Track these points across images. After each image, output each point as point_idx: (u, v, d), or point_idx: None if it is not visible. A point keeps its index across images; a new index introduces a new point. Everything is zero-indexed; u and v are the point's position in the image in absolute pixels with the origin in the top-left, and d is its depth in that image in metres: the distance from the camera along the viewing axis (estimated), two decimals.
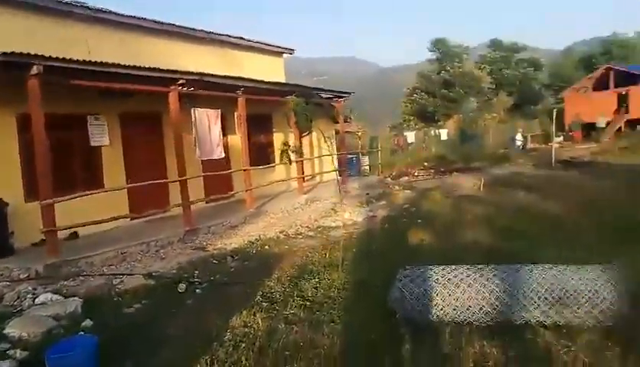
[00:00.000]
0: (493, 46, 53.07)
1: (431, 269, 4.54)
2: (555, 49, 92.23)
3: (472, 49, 54.01)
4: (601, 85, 34.89)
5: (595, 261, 5.62)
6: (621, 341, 3.75)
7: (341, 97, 17.55)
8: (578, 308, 3.99)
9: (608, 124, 32.05)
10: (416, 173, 22.00)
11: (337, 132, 19.03)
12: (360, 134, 28.29)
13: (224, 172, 12.94)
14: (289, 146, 15.45)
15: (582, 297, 3.98)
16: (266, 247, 8.98)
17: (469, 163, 24.04)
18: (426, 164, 25.19)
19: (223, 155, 12.20)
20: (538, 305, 4.04)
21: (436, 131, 38.52)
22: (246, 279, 6.76)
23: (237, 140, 13.49)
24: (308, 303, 5.47)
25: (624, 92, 32.51)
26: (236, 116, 13.02)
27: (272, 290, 6.05)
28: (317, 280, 6.27)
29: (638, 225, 7.76)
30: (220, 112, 12.05)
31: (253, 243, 9.32)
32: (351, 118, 26.96)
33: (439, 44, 49.94)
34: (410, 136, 37.18)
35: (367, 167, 24.36)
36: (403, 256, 6.86)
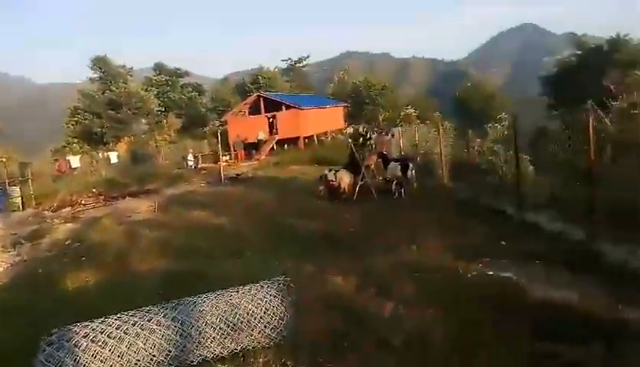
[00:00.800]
0: (157, 69, 53.58)
1: (86, 326, 3.58)
2: (214, 77, 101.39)
3: (137, 71, 53.08)
4: (254, 110, 39.99)
5: (265, 271, 5.83)
6: (293, 354, 3.81)
7: None
8: (252, 330, 3.85)
9: (264, 142, 36.85)
10: (83, 202, 19.42)
11: None
12: (4, 160, 23.10)
13: None
14: None
15: (255, 318, 3.87)
16: None
17: (144, 185, 23.03)
18: (94, 190, 22.69)
19: None
20: (214, 338, 3.70)
21: (105, 153, 35.63)
22: None
23: None
24: None
25: (271, 120, 38.12)
26: None
27: None
28: None
29: (289, 228, 8.86)
30: None
31: None
32: None
33: (100, 63, 46.69)
34: (75, 160, 33.02)
35: (19, 200, 20.01)
36: (59, 308, 5.51)
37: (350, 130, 16.43)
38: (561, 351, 3.48)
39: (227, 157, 34.62)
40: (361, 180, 12.76)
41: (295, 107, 36.84)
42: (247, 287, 4.09)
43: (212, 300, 3.90)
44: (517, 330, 3.94)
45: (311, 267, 6.21)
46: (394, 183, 12.26)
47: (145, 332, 3.53)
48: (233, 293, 3.99)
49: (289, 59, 65.92)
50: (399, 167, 12.52)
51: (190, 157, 33.59)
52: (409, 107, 41.42)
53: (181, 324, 3.66)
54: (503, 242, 6.81)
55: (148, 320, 3.62)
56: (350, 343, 3.92)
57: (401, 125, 26.28)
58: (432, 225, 8.30)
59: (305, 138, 36.29)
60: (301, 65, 66.38)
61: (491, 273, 5.55)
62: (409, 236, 7.49)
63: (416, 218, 9.11)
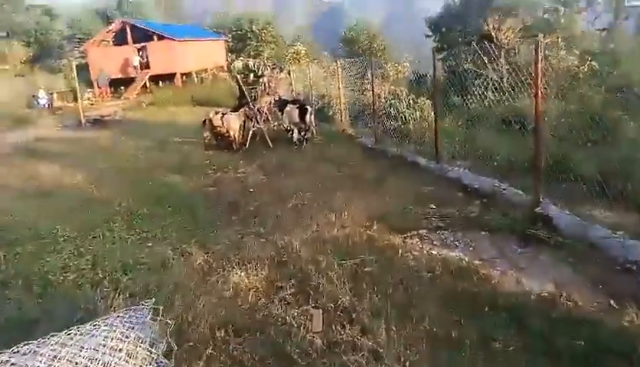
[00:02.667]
0: None
1: None
2: (68, 3, 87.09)
3: None
4: (120, 39, 34.46)
5: (129, 264, 4.05)
6: None
7: None
8: None
9: (134, 78, 32.13)
10: None
11: None
12: None
13: None
14: None
15: None
16: None
17: None
18: None
19: None
20: None
21: None
22: None
23: None
24: None
25: (140, 52, 32.93)
26: None
27: None
28: None
29: (170, 189, 6.99)
30: None
31: None
32: None
33: None
34: None
35: None
36: None
37: (238, 64, 14.16)
38: None
39: (90, 95, 29.87)
40: (253, 126, 10.96)
41: (169, 38, 32.39)
42: (84, 330, 2.28)
43: (24, 356, 2.07)
44: (513, 352, 2.80)
45: (201, 252, 4.51)
46: (294, 130, 10.61)
47: None
48: (76, 337, 2.18)
49: None
50: (296, 111, 10.90)
51: (41, 94, 28.21)
52: (299, 43, 39.12)
53: None
54: (432, 206, 5.74)
55: None
56: None
57: (290, 63, 24.36)
58: (347, 182, 7.01)
59: (182, 74, 32.39)
60: None
61: (434, 252, 4.41)
62: (324, 199, 6.12)
63: (326, 173, 7.74)
